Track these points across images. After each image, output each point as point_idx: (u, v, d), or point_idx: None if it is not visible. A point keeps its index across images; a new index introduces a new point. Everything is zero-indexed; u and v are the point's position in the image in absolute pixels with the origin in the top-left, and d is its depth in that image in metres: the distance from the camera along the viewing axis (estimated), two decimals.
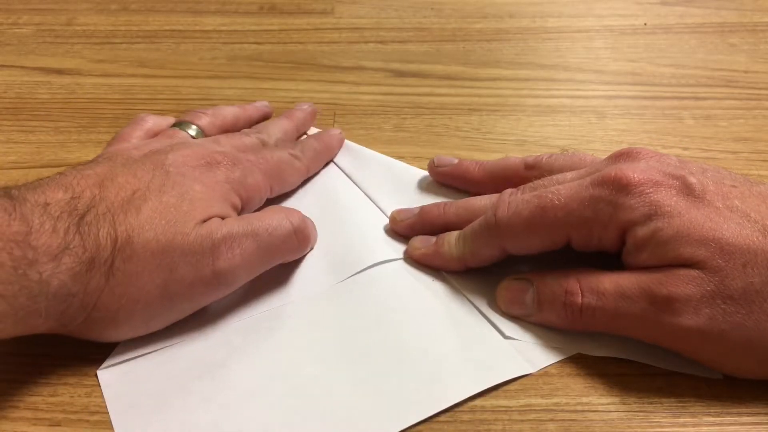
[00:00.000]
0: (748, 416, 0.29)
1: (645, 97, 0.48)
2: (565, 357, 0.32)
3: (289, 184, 0.39)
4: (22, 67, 0.50)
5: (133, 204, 0.30)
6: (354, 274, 0.35)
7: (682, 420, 0.29)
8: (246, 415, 0.29)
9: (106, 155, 0.34)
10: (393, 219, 0.37)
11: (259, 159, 0.36)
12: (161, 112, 0.45)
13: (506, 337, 0.32)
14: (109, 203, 0.30)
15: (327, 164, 0.42)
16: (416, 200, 0.39)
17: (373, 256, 0.35)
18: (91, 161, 0.34)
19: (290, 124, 0.42)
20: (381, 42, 0.53)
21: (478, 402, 0.30)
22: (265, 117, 0.44)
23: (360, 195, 0.40)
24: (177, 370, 0.30)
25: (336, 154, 0.42)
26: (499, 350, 0.32)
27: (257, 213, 0.33)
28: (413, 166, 0.42)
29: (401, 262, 0.36)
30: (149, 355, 0.31)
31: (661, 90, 0.48)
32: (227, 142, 0.37)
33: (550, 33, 0.54)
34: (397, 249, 0.36)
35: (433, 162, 0.40)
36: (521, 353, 0.31)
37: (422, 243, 0.35)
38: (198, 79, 0.49)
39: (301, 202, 0.39)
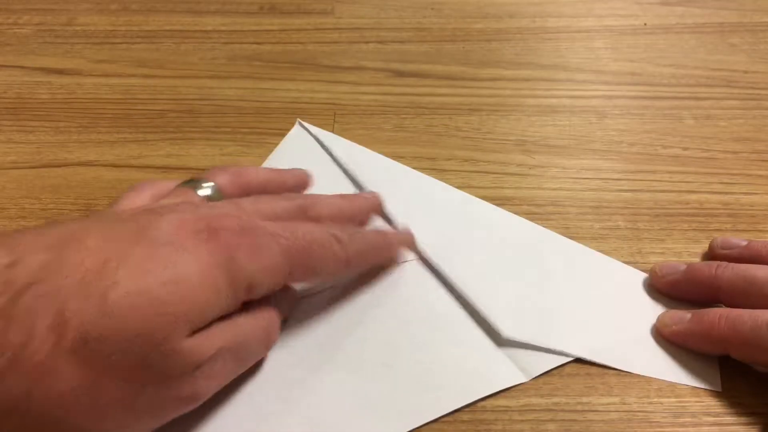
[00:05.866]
0: (747, 416, 0.30)
1: (645, 97, 0.48)
2: (560, 364, 0.32)
3: (319, 272, 0.30)
4: (22, 67, 0.50)
5: (99, 285, 0.22)
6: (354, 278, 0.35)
7: (682, 420, 0.29)
8: (234, 422, 0.29)
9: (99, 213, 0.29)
10: (654, 273, 0.35)
11: (284, 231, 0.28)
12: (161, 113, 0.45)
13: (504, 338, 0.32)
14: (62, 278, 0.22)
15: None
16: (424, 204, 0.39)
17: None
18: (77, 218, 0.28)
19: (346, 204, 0.34)
20: (381, 42, 0.53)
21: (478, 402, 0.30)
22: (302, 187, 0.37)
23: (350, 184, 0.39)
24: None
25: (394, 257, 0.35)
26: (494, 359, 0.32)
27: (248, 320, 0.28)
28: (413, 166, 0.42)
29: (400, 267, 0.35)
30: None
31: (661, 90, 0.48)
32: (250, 205, 0.29)
33: (550, 33, 0.54)
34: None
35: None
36: (516, 362, 0.31)
37: (674, 320, 0.32)
38: (198, 79, 0.49)
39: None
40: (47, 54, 0.51)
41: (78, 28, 0.54)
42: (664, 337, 0.32)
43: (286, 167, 0.39)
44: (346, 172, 0.41)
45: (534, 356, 0.32)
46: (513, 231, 0.38)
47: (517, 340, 0.32)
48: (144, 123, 0.45)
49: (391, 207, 0.38)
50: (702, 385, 0.31)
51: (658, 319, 0.33)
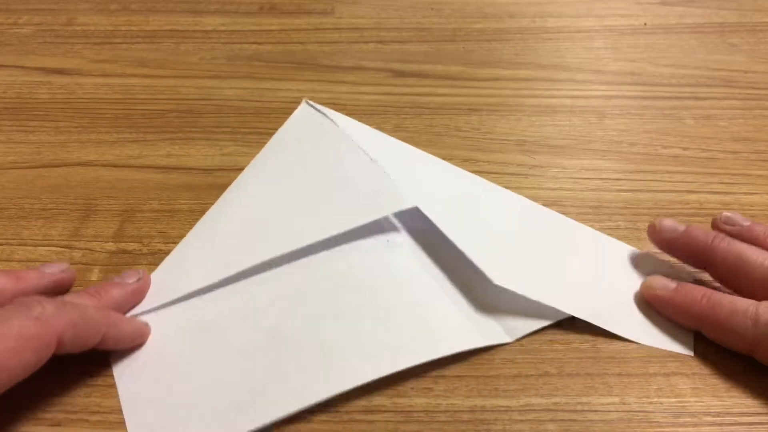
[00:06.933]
0: (748, 416, 0.30)
1: (645, 97, 0.48)
2: (543, 327, 0.33)
3: (14, 373, 0.26)
4: (22, 67, 0.50)
5: None
6: (352, 229, 0.36)
7: (682, 420, 0.29)
8: (236, 371, 0.31)
9: None
10: (652, 227, 0.35)
11: None
12: (161, 113, 0.45)
13: (494, 285, 0.33)
14: None
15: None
16: (430, 178, 0.40)
17: (371, 212, 0.37)
18: None
19: (92, 303, 0.31)
20: (381, 42, 0.53)
21: (478, 402, 0.30)
22: (59, 286, 0.34)
23: (360, 154, 0.40)
24: (174, 329, 0.32)
25: (122, 336, 0.31)
26: (482, 320, 0.33)
27: None
28: None
29: (395, 235, 0.37)
30: (150, 314, 0.33)
31: (661, 90, 0.48)
32: None
33: (550, 33, 0.54)
34: (397, 201, 0.37)
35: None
36: (502, 324, 0.33)
37: (659, 285, 0.33)
38: (198, 79, 0.49)
39: (295, 160, 0.40)
40: (47, 54, 0.51)
41: (78, 28, 0.54)
42: (646, 298, 0.34)
43: (293, 144, 0.41)
44: (360, 147, 0.41)
45: (519, 320, 0.33)
46: (513, 203, 0.40)
47: (505, 287, 0.33)
48: (144, 123, 0.45)
49: (398, 180, 0.38)
50: (676, 349, 0.32)
51: (646, 280, 0.34)
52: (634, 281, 0.35)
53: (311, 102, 0.45)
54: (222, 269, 0.34)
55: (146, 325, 0.32)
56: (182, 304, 0.33)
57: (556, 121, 0.46)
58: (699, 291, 0.32)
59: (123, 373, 0.31)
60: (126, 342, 0.31)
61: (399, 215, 0.38)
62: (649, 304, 0.34)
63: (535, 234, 0.37)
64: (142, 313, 0.33)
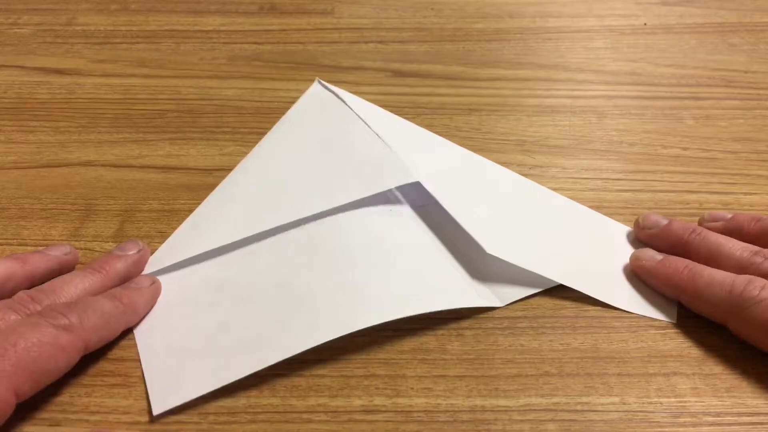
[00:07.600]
0: (747, 416, 0.30)
1: (645, 97, 0.48)
2: (532, 294, 0.34)
3: (50, 376, 0.28)
4: (22, 67, 0.50)
5: None
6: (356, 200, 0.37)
7: (682, 420, 0.29)
8: (246, 316, 0.33)
9: None
10: (636, 223, 0.37)
11: None
12: (161, 113, 0.45)
13: (487, 254, 0.34)
14: None
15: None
16: (435, 155, 0.42)
17: (376, 184, 0.38)
18: None
19: (98, 279, 0.33)
20: (381, 42, 0.53)
21: (478, 402, 0.30)
22: (64, 267, 0.34)
23: (367, 131, 0.41)
24: (189, 285, 0.34)
25: (141, 315, 0.33)
26: (473, 284, 0.34)
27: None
28: None
29: (398, 206, 0.38)
30: (166, 273, 0.35)
31: (661, 90, 0.48)
32: None
33: (550, 33, 0.54)
34: (401, 175, 0.38)
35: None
36: (493, 290, 0.34)
37: (645, 256, 0.35)
38: (198, 79, 0.49)
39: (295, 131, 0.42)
40: (47, 54, 0.51)
41: (78, 28, 0.54)
42: (632, 269, 0.35)
43: (305, 120, 0.43)
44: (367, 124, 0.42)
45: (510, 287, 0.35)
46: (510, 180, 0.41)
47: (498, 256, 0.34)
48: (144, 123, 0.45)
49: (401, 155, 0.39)
50: (659, 317, 0.33)
51: (633, 253, 0.36)
52: (623, 254, 0.36)
53: (323, 81, 0.47)
54: (232, 235, 0.36)
55: (154, 282, 0.34)
56: (196, 265, 0.35)
57: (556, 121, 0.46)
58: (682, 262, 0.34)
59: (140, 324, 0.33)
60: (143, 314, 0.33)
61: (402, 190, 0.39)
62: (635, 275, 0.35)
63: (530, 208, 0.39)
64: (160, 271, 0.35)
